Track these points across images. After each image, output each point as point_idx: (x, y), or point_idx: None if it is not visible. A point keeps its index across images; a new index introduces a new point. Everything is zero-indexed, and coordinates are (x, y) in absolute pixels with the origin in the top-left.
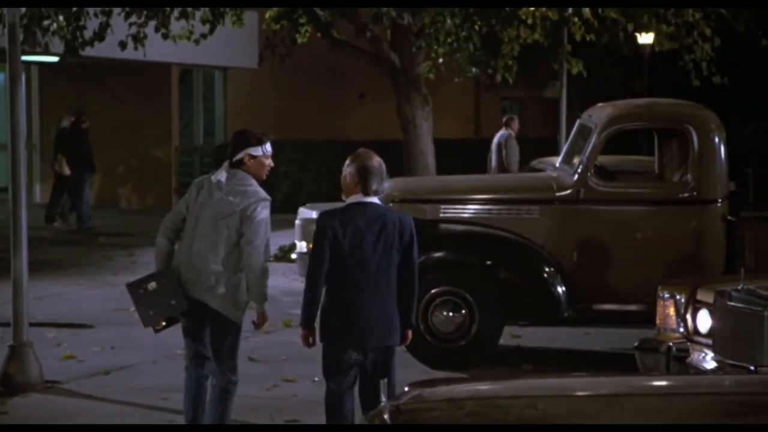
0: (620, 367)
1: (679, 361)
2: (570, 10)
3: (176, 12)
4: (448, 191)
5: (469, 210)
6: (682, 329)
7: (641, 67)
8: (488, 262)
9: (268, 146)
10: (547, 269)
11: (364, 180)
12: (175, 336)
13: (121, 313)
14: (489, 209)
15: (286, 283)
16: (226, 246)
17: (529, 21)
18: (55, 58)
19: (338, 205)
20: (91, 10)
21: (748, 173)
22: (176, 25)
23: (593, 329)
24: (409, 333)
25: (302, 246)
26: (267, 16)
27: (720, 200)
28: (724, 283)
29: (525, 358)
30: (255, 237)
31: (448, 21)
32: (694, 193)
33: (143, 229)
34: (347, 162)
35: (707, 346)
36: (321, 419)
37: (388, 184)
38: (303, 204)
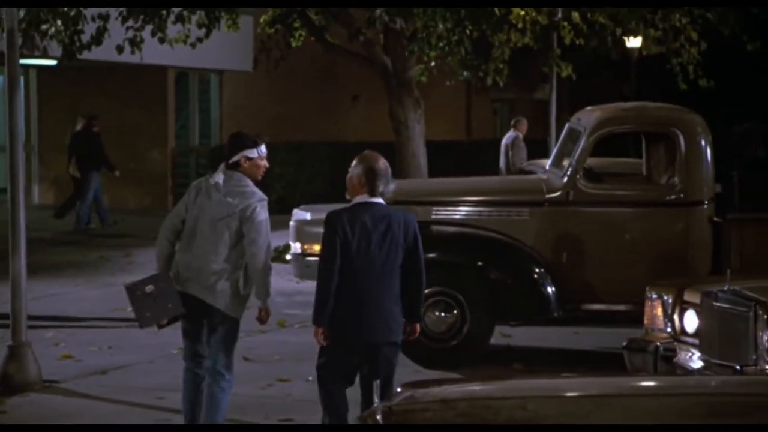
0: (609, 366)
1: (666, 360)
2: (560, 14)
3: (172, 16)
4: (440, 193)
5: (461, 212)
6: (669, 329)
7: (629, 71)
8: (479, 263)
9: (263, 148)
10: (537, 270)
11: (370, 181)
12: (171, 336)
13: (119, 312)
14: (480, 211)
15: (281, 283)
16: (226, 246)
17: (520, 25)
18: (53, 62)
19: (335, 206)
20: (88, 15)
21: (734, 175)
22: (172, 29)
23: (582, 329)
24: (417, 327)
25: (297, 247)
26: (262, 20)
27: (706, 202)
28: (710, 284)
29: (515, 357)
30: (258, 236)
31: (440, 25)
32: (681, 195)
33: (140, 230)
34: (354, 163)
35: (694, 345)
36: (315, 419)
37: (392, 186)
38: (297, 205)
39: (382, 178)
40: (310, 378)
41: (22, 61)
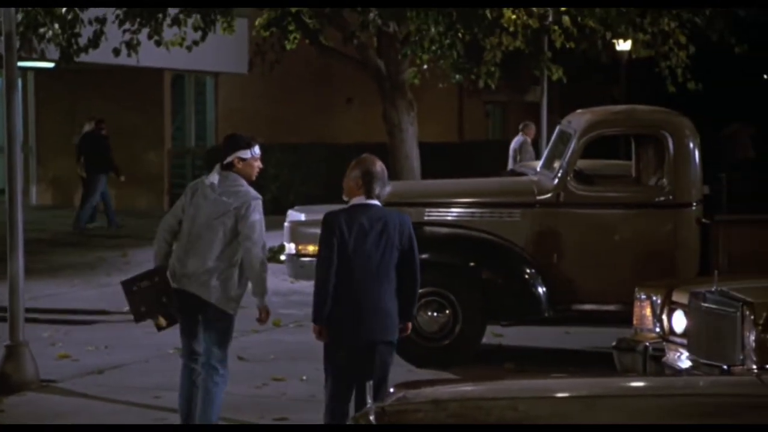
0: (599, 365)
1: (655, 360)
2: (550, 18)
3: (168, 19)
4: (432, 195)
5: (453, 213)
6: (658, 329)
7: (619, 74)
8: (471, 264)
9: (256, 149)
10: (528, 270)
11: (367, 184)
12: (167, 336)
13: (116, 313)
14: (472, 212)
15: (276, 283)
16: (221, 244)
17: (511, 29)
18: (50, 64)
19: (329, 207)
20: (85, 18)
21: (722, 177)
22: (169, 32)
23: (573, 329)
24: (410, 325)
25: (291, 248)
26: (257, 23)
27: (695, 204)
28: (698, 284)
29: (507, 357)
30: (252, 233)
31: (433, 29)
32: (670, 197)
33: (137, 230)
34: (352, 165)
35: (682, 345)
36: (310, 418)
37: (389, 189)
38: (291, 205)
39: (378, 181)
40: (305, 377)
41: (20, 64)
